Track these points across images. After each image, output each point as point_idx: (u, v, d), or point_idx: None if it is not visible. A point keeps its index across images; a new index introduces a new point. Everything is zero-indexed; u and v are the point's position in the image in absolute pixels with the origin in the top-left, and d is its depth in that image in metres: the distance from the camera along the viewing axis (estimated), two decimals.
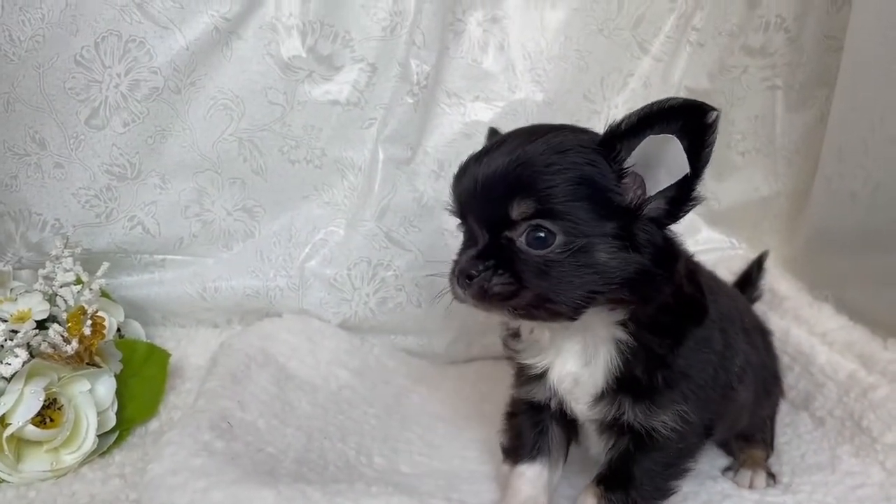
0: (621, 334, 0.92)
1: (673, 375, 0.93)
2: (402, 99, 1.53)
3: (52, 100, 1.40)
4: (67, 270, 1.34)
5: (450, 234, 1.61)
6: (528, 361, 1.02)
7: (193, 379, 1.43)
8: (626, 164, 0.83)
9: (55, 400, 1.19)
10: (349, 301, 1.57)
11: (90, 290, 1.30)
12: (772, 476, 1.16)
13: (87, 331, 1.20)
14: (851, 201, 1.30)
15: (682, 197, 0.83)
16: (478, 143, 1.57)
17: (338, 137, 1.55)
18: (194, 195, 1.53)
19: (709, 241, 1.70)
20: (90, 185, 1.47)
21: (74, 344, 1.19)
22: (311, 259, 1.57)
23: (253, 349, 1.38)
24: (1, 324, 1.20)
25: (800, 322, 1.41)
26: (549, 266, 0.84)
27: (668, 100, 0.79)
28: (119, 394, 1.27)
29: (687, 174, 0.80)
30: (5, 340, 1.17)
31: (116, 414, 1.26)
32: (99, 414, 1.22)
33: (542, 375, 1.00)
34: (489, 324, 1.66)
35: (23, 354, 1.16)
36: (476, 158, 0.91)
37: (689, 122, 0.79)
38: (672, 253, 0.90)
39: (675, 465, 0.99)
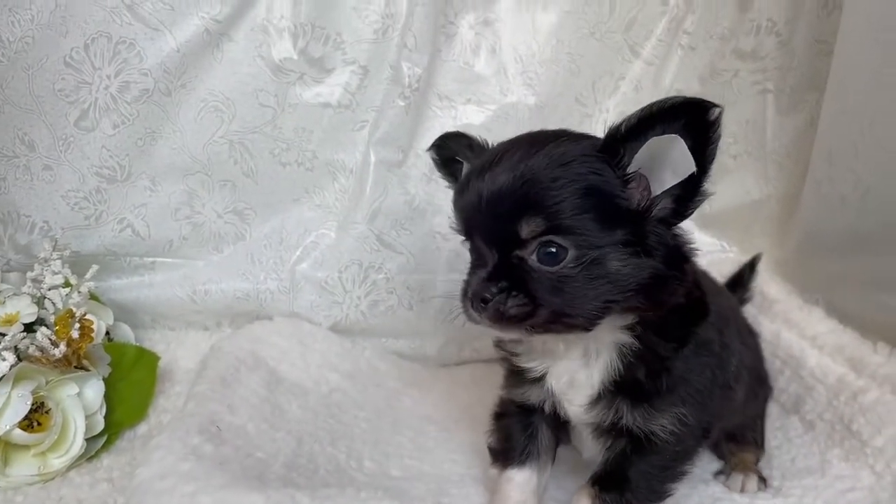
0: (625, 338, 0.91)
1: (673, 379, 0.93)
2: (394, 101, 1.52)
3: (41, 101, 1.40)
4: (56, 273, 1.33)
5: (441, 238, 1.61)
6: (525, 365, 1.01)
7: (183, 382, 1.42)
8: (630, 168, 0.82)
9: (43, 404, 1.18)
10: (340, 304, 1.57)
11: (79, 292, 1.30)
12: (763, 480, 1.16)
13: (75, 334, 1.19)
14: (841, 205, 1.30)
15: (688, 194, 0.83)
16: None
17: (329, 140, 1.54)
18: (184, 197, 1.52)
19: (700, 245, 1.68)
20: (79, 188, 1.46)
21: (62, 347, 1.18)
22: (301, 262, 1.57)
23: (243, 352, 1.37)
24: None
25: (790, 325, 1.41)
26: (562, 281, 0.83)
27: (668, 99, 0.78)
28: (108, 397, 1.26)
29: (693, 172, 0.79)
30: None
31: (105, 417, 1.25)
32: (87, 418, 1.21)
33: (538, 378, 1.00)
34: (479, 327, 1.67)
35: (10, 358, 1.15)
36: (478, 174, 0.87)
37: (692, 119, 0.78)
38: (682, 252, 0.90)
39: (672, 467, 0.98)
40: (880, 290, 1.29)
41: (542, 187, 0.82)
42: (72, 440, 1.18)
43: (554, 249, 0.82)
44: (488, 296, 0.84)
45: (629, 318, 0.90)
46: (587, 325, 0.85)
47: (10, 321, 1.23)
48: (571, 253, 0.82)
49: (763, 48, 1.50)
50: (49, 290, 1.30)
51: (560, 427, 1.06)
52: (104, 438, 1.25)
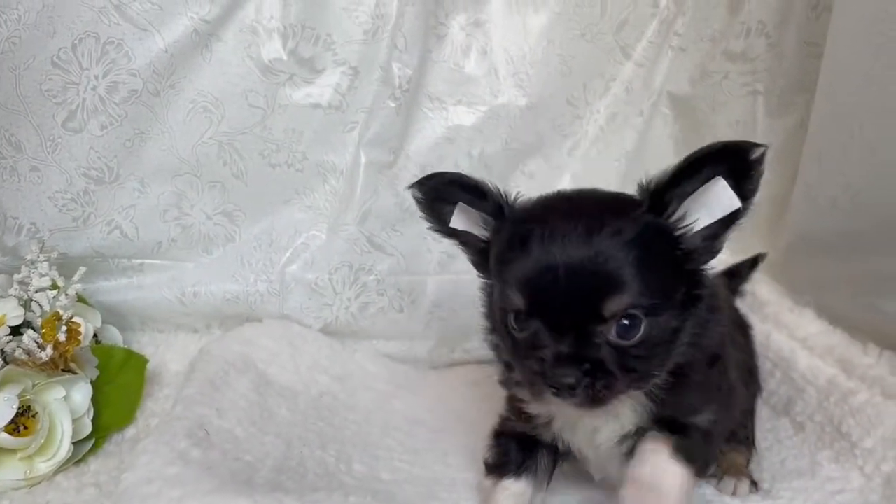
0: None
1: (703, 395, 0.94)
2: (384, 103, 1.52)
3: (28, 102, 1.38)
4: (43, 275, 1.31)
5: (432, 239, 1.61)
6: (536, 412, 0.99)
7: (171, 385, 1.41)
8: (683, 222, 0.82)
9: (29, 407, 1.16)
10: (330, 306, 1.56)
11: (66, 295, 1.29)
12: (754, 484, 1.16)
13: (61, 337, 1.18)
14: (832, 207, 1.30)
15: (722, 230, 0.84)
16: (460, 147, 1.59)
17: (319, 141, 1.53)
18: (173, 199, 1.51)
19: None
20: (67, 189, 1.44)
21: (49, 350, 1.17)
22: (292, 263, 1.56)
23: (232, 355, 1.37)
24: None
25: (780, 327, 1.41)
26: (639, 351, 0.82)
27: (712, 146, 0.79)
28: (95, 401, 1.25)
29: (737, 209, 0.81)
30: None
31: (92, 421, 1.24)
32: (74, 421, 1.20)
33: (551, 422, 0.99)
34: (471, 328, 1.66)
35: None
36: (543, 249, 0.81)
37: (735, 162, 0.79)
38: (714, 290, 0.90)
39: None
40: (870, 292, 1.29)
41: (620, 264, 0.79)
42: (58, 444, 1.17)
43: (630, 322, 0.80)
44: (574, 381, 0.80)
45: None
46: (653, 383, 0.86)
47: None
48: (646, 322, 0.81)
49: (753, 50, 1.50)
50: (36, 292, 1.29)
51: (562, 451, 1.04)
52: (91, 442, 1.24)
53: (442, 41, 1.56)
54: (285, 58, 1.48)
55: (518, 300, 0.83)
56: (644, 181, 0.85)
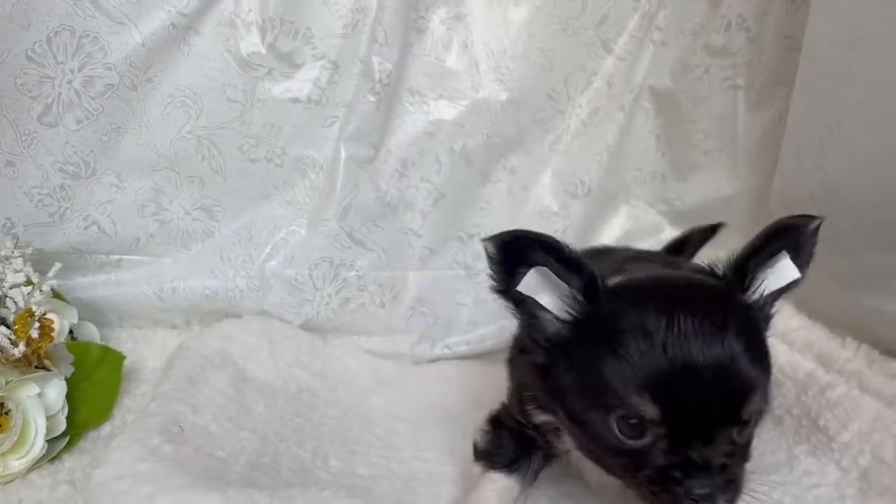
0: None
1: None
2: (365, 97, 1.51)
3: (2, 96, 1.36)
4: (17, 271, 1.29)
5: (413, 234, 1.61)
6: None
7: (149, 382, 1.39)
8: (759, 295, 0.84)
9: (2, 404, 1.15)
10: (311, 301, 1.55)
11: (41, 291, 1.27)
12: None
13: (34, 333, 1.17)
14: (809, 202, 1.31)
15: (777, 298, 0.88)
16: (441, 141, 1.58)
17: (299, 136, 1.52)
18: (151, 194, 1.50)
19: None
20: (43, 184, 1.43)
21: (22, 347, 1.15)
22: (271, 259, 1.55)
23: (210, 351, 1.35)
24: None
25: None
26: (746, 446, 0.82)
27: (777, 223, 0.84)
28: (70, 397, 1.24)
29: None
30: None
31: (67, 418, 1.22)
32: (48, 418, 1.18)
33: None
34: (452, 324, 1.66)
35: None
36: (680, 350, 0.75)
37: (796, 236, 0.85)
38: None
39: None
40: (848, 286, 1.30)
41: (752, 359, 0.77)
42: (32, 441, 1.16)
43: (752, 421, 0.80)
44: (711, 492, 0.76)
45: None
46: None
47: None
48: (755, 417, 0.81)
49: (733, 44, 1.50)
50: (10, 288, 1.27)
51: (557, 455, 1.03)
52: (66, 439, 1.22)
53: (422, 35, 1.55)
54: (264, 52, 1.47)
55: (648, 408, 0.75)
56: (727, 257, 0.86)
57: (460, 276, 1.66)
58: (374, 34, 1.49)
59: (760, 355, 0.79)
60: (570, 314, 0.83)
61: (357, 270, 1.56)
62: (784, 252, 0.83)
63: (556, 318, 0.83)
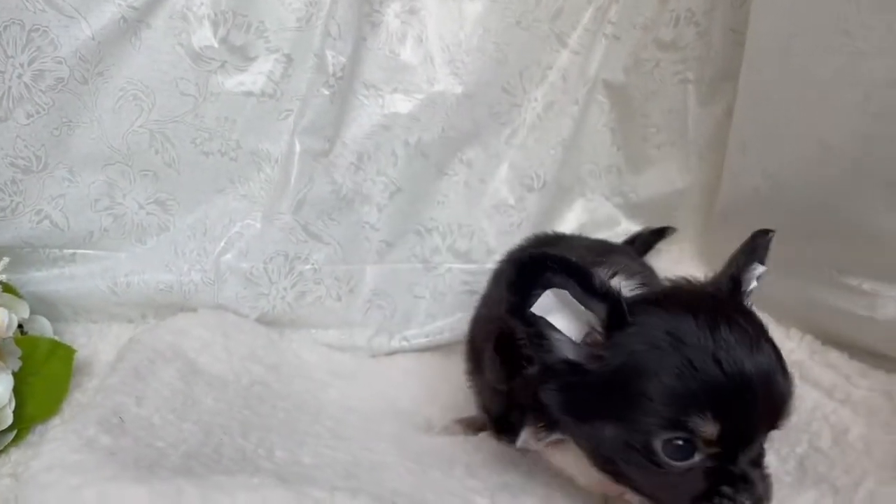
0: None
1: None
2: (319, 91, 1.51)
3: None
4: None
5: (370, 228, 1.61)
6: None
7: (101, 376, 1.39)
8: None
9: None
10: (266, 295, 1.55)
11: None
12: None
13: None
14: (754, 195, 1.32)
15: None
16: (397, 135, 1.59)
17: (253, 129, 1.52)
18: (104, 188, 1.49)
19: (627, 234, 1.72)
20: None
21: None
22: (226, 253, 1.54)
23: (162, 344, 1.35)
24: None
25: None
26: None
27: (753, 237, 0.94)
28: (18, 392, 1.23)
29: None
30: None
31: (14, 412, 1.22)
32: None
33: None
34: (410, 317, 1.67)
35: None
36: (733, 367, 0.73)
37: (757, 243, 0.93)
38: None
39: None
40: (792, 278, 1.31)
41: (783, 365, 0.78)
42: None
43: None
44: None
45: None
46: None
47: None
48: None
49: (682, 38, 1.52)
50: None
51: None
52: (13, 433, 1.22)
53: (377, 28, 1.55)
54: (216, 45, 1.46)
55: (709, 426, 0.72)
56: (729, 270, 0.92)
57: (418, 270, 1.66)
58: (327, 28, 1.49)
59: (784, 360, 0.80)
60: (593, 339, 0.80)
61: (313, 264, 1.57)
62: (759, 265, 0.91)
63: (572, 341, 0.80)
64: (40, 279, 1.51)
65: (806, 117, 1.15)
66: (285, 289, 1.56)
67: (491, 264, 1.61)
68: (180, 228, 1.55)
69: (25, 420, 1.25)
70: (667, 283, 0.95)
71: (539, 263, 0.77)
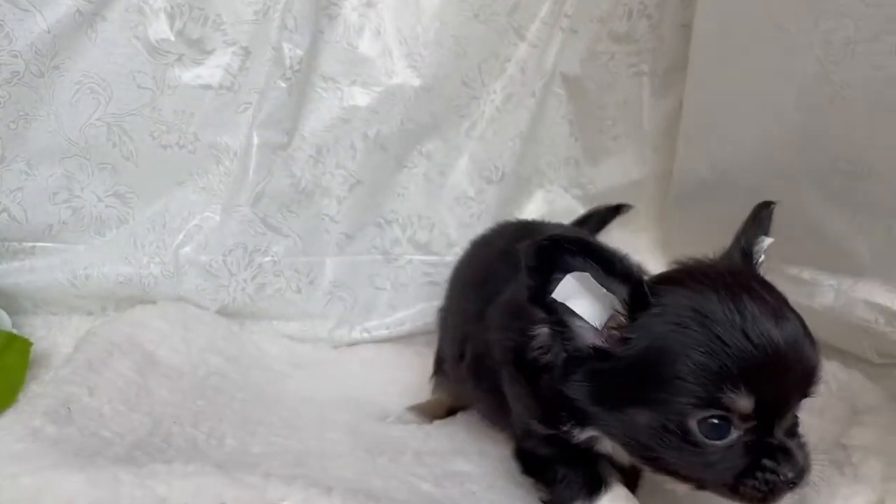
0: None
1: None
2: (276, 83, 1.52)
3: None
4: None
5: (329, 220, 1.63)
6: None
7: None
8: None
9: None
10: (226, 287, 1.57)
11: None
12: None
13: None
14: (702, 186, 1.35)
15: None
16: (356, 127, 1.60)
17: (211, 122, 1.53)
18: (63, 181, 1.49)
19: None
20: None
21: None
22: (185, 245, 1.55)
23: (119, 336, 1.36)
24: None
25: None
26: None
27: (756, 209, 0.92)
28: None
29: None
30: None
31: None
32: None
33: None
34: (371, 308, 1.69)
35: None
36: (764, 339, 0.72)
37: (761, 213, 0.92)
38: None
39: None
40: None
41: (808, 332, 0.77)
42: None
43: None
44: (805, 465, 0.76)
45: None
46: None
47: None
48: None
49: (636, 31, 1.53)
50: None
51: None
52: None
53: (334, 21, 1.56)
54: (173, 38, 1.47)
55: (744, 401, 0.71)
56: (738, 244, 0.90)
57: (378, 261, 1.68)
58: (284, 21, 1.50)
59: (808, 328, 0.78)
60: (617, 322, 0.77)
61: (272, 256, 1.58)
62: (765, 237, 0.90)
63: (594, 327, 0.78)
64: (0, 272, 1.51)
65: (746, 110, 1.17)
66: (245, 281, 1.57)
67: (451, 256, 1.62)
68: (139, 221, 1.55)
69: None
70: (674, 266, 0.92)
71: (558, 246, 0.75)
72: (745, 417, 0.73)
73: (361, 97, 1.59)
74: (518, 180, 1.70)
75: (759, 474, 0.74)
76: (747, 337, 0.71)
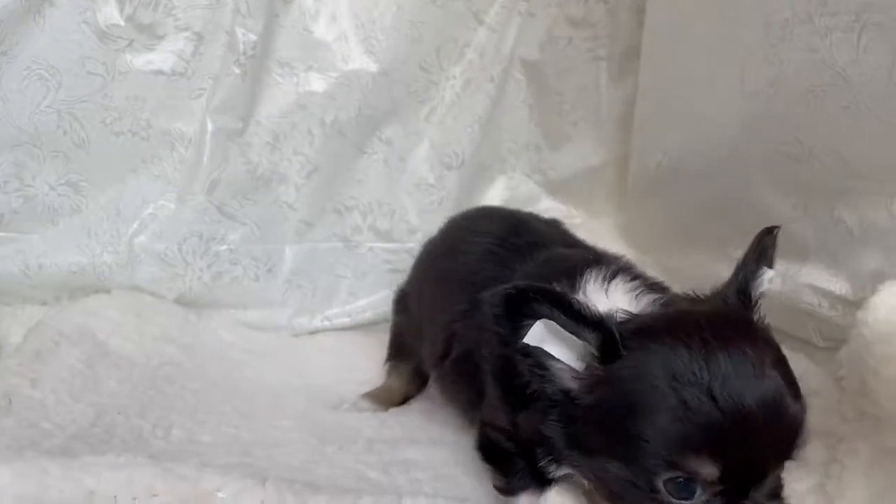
0: None
1: None
2: (230, 69, 1.50)
3: None
4: None
5: (288, 207, 1.61)
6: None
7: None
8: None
9: None
10: (182, 276, 1.55)
11: None
12: None
13: None
14: (657, 171, 1.34)
15: None
16: (313, 113, 1.58)
17: (164, 108, 1.51)
18: (13, 169, 1.47)
19: (548, 210, 1.72)
20: None
21: None
22: (139, 234, 1.53)
23: (68, 327, 1.34)
24: None
25: None
26: None
27: (757, 240, 0.83)
28: None
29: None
30: None
31: None
32: None
33: None
34: (331, 296, 1.68)
35: None
36: (731, 401, 0.67)
37: (764, 245, 0.83)
38: None
39: None
40: (694, 253, 1.34)
41: (792, 391, 0.70)
42: None
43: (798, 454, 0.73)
44: None
45: None
46: None
47: None
48: None
49: (593, 15, 1.53)
50: None
51: None
52: None
53: (289, 6, 1.54)
54: (123, 23, 1.44)
55: (708, 468, 0.67)
56: (736, 280, 0.82)
57: (338, 249, 1.67)
58: (237, 5, 1.48)
59: (795, 381, 0.72)
60: (588, 371, 0.75)
61: (229, 244, 1.56)
62: (767, 269, 0.83)
63: (571, 368, 0.76)
64: None
65: (695, 96, 1.17)
66: (201, 269, 1.56)
67: (413, 243, 1.62)
68: (93, 210, 1.53)
69: None
70: (669, 294, 0.89)
71: (524, 295, 0.73)
72: (711, 483, 0.69)
73: (318, 83, 1.57)
74: (479, 166, 1.69)
75: None
76: (714, 400, 0.66)
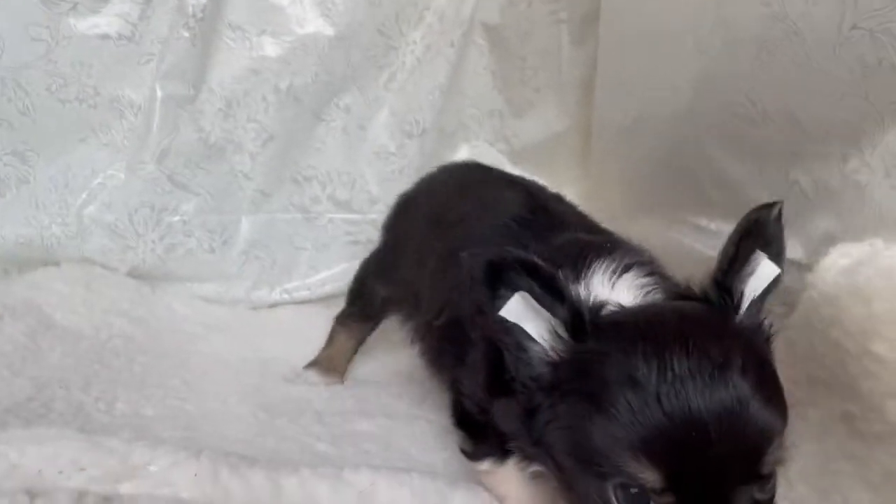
0: None
1: None
2: (179, 33, 1.45)
3: None
4: None
5: (243, 177, 1.57)
6: None
7: None
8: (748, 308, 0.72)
9: None
10: (134, 248, 1.51)
11: None
12: None
13: None
14: (619, 137, 1.31)
15: (764, 300, 0.75)
16: (267, 79, 1.53)
17: (111, 74, 1.46)
18: None
19: None
20: None
21: None
22: (88, 205, 1.49)
23: (12, 300, 1.31)
24: None
25: None
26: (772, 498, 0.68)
27: (741, 225, 0.72)
28: None
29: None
30: None
31: None
32: None
33: None
34: (291, 268, 1.64)
35: None
36: (680, 403, 0.63)
37: (762, 230, 0.72)
38: None
39: None
40: (654, 218, 1.31)
41: (762, 401, 0.64)
42: None
43: (771, 473, 0.66)
44: None
45: None
46: None
47: None
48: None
49: None
50: None
51: None
52: None
53: None
54: None
55: (648, 474, 0.63)
56: (712, 275, 0.73)
57: (298, 220, 1.63)
58: None
59: (773, 392, 0.66)
60: (555, 352, 0.71)
61: (181, 215, 1.52)
62: (760, 253, 0.72)
63: (545, 350, 0.72)
64: None
65: (652, 56, 1.14)
66: (154, 241, 1.52)
67: (375, 214, 1.59)
68: (40, 180, 1.48)
69: None
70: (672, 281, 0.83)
71: (501, 263, 0.69)
72: (658, 492, 0.64)
73: (272, 47, 1.53)
74: (441, 134, 1.66)
75: None
76: (660, 403, 0.62)
